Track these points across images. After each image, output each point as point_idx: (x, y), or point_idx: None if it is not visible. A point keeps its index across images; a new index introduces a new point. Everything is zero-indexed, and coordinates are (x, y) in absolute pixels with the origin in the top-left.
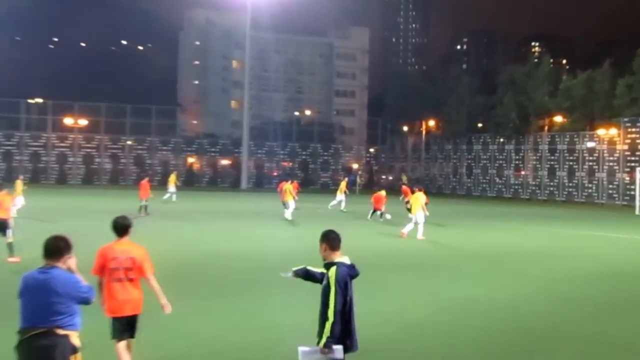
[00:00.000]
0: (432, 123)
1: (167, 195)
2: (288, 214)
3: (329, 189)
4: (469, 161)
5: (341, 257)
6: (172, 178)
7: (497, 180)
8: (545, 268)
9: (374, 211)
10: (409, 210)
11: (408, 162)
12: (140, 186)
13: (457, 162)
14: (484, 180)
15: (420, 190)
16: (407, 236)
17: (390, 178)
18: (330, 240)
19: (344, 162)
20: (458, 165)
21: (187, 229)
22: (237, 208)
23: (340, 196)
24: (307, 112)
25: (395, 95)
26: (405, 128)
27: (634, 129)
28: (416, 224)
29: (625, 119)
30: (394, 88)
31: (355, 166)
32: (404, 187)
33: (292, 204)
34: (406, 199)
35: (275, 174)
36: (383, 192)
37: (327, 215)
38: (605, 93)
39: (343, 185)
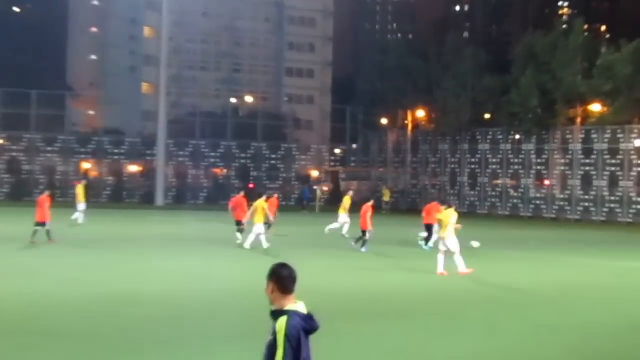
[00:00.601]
0: (421, 114)
1: (75, 215)
2: (249, 241)
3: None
4: (473, 166)
5: (295, 304)
6: (80, 190)
7: (512, 192)
8: (579, 316)
9: (363, 232)
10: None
11: (388, 168)
12: (37, 203)
13: (457, 167)
14: (494, 193)
15: (450, 206)
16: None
17: (364, 189)
18: (282, 279)
19: (298, 168)
20: (458, 172)
21: (77, 263)
22: (149, 232)
23: (344, 217)
24: (248, 99)
25: (370, 76)
26: (384, 121)
27: None
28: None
29: None
30: (369, 65)
31: (314, 174)
32: (432, 203)
33: (259, 228)
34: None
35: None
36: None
37: (295, 243)
38: None
39: (347, 201)
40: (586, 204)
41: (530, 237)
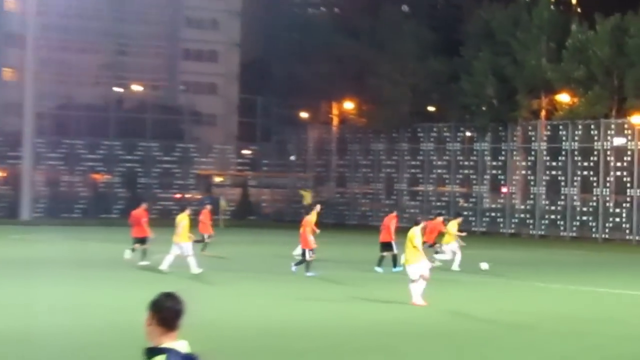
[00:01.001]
0: (351, 106)
1: None
2: (166, 262)
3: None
4: (414, 171)
5: (174, 342)
6: None
7: (462, 202)
8: (544, 353)
9: (302, 253)
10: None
11: (309, 173)
12: None
13: (394, 172)
14: (439, 203)
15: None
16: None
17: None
18: (163, 311)
19: (198, 172)
20: (395, 178)
21: None
22: (11, 254)
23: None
24: (136, 88)
25: (286, 59)
26: (304, 114)
27: None
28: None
29: None
30: (285, 46)
31: (217, 179)
32: (435, 220)
33: (184, 248)
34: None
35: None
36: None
37: (231, 267)
38: None
39: (313, 217)
40: (553, 217)
41: (484, 258)
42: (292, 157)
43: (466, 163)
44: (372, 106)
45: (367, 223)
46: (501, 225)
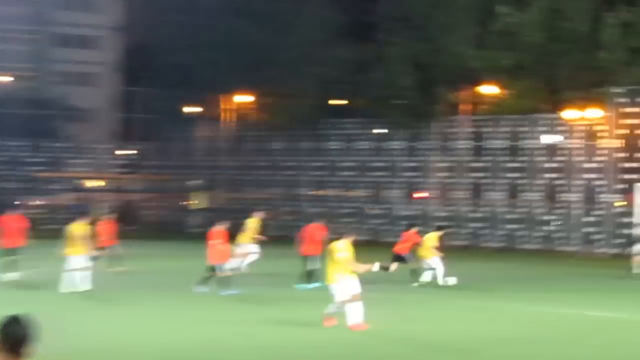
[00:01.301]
0: (246, 99)
1: None
2: (66, 282)
3: (41, 230)
4: (318, 173)
5: None
6: None
7: (371, 209)
8: None
9: (212, 268)
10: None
11: (198, 176)
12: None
13: (297, 175)
14: (347, 210)
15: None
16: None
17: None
18: (7, 335)
19: (71, 176)
20: (296, 182)
21: None
22: None
23: (251, 247)
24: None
25: (174, 45)
26: (195, 109)
27: (636, 109)
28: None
29: (621, 89)
30: (172, 31)
31: (92, 184)
32: (411, 231)
33: (79, 262)
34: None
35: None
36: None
37: (136, 283)
38: (583, 38)
39: (253, 224)
40: (476, 225)
41: (390, 273)
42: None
43: (378, 164)
44: (271, 99)
45: (264, 232)
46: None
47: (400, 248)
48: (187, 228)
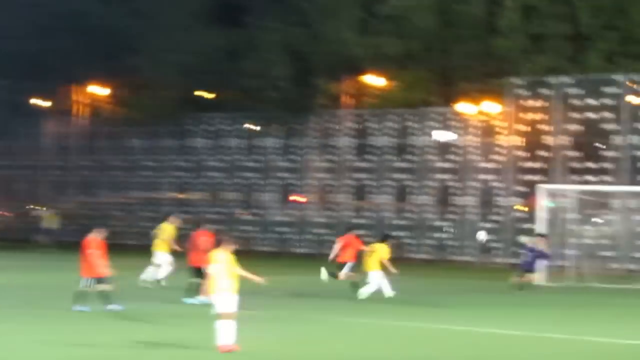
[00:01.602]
0: (101, 91)
1: None
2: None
3: None
4: (181, 174)
5: None
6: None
7: (242, 215)
8: None
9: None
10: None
11: (43, 178)
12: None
13: (158, 176)
14: (216, 216)
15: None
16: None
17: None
18: None
19: None
20: (161, 184)
21: None
22: None
23: (164, 256)
24: None
25: (17, 30)
26: (43, 102)
27: (538, 102)
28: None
29: (522, 81)
30: (14, 13)
31: None
32: (350, 235)
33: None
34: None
35: None
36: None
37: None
38: (479, 23)
39: (171, 231)
40: (361, 232)
41: (276, 285)
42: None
43: (249, 164)
44: (129, 91)
45: (121, 241)
46: (294, 243)
47: (345, 256)
48: (36, 237)
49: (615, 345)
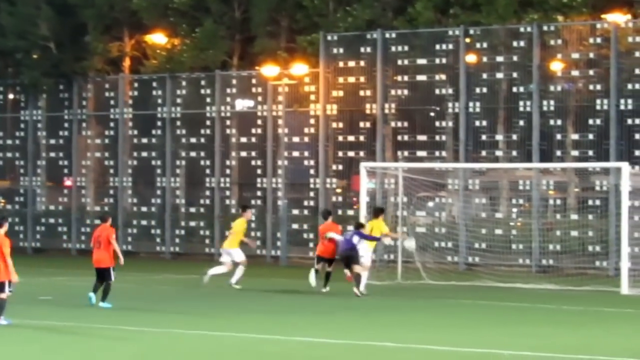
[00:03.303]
0: None
1: None
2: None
3: None
4: None
5: None
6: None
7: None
8: None
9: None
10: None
11: None
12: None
13: None
14: None
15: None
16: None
17: None
18: None
19: None
20: None
21: None
22: None
23: (237, 253)
24: None
25: None
26: None
27: (358, 63)
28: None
29: (336, 37)
30: None
31: None
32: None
33: None
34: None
35: None
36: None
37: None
38: None
39: (242, 225)
40: (144, 223)
41: (39, 290)
42: None
43: (8, 142)
44: None
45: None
46: (64, 237)
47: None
48: None
49: (448, 353)
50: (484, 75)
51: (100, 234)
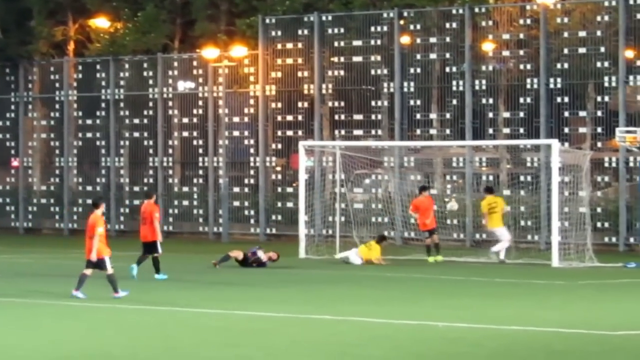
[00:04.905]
0: None
1: None
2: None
3: None
4: None
5: None
6: None
7: None
8: None
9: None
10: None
11: None
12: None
13: None
14: None
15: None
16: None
17: None
18: None
19: None
20: None
21: None
22: None
23: (503, 232)
24: None
25: None
26: None
27: (295, 44)
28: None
29: (275, 19)
30: None
31: None
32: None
33: None
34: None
35: None
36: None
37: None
38: None
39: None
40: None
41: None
42: None
43: None
44: None
45: None
46: (13, 217)
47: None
48: None
49: (384, 325)
50: (418, 56)
51: (145, 210)
